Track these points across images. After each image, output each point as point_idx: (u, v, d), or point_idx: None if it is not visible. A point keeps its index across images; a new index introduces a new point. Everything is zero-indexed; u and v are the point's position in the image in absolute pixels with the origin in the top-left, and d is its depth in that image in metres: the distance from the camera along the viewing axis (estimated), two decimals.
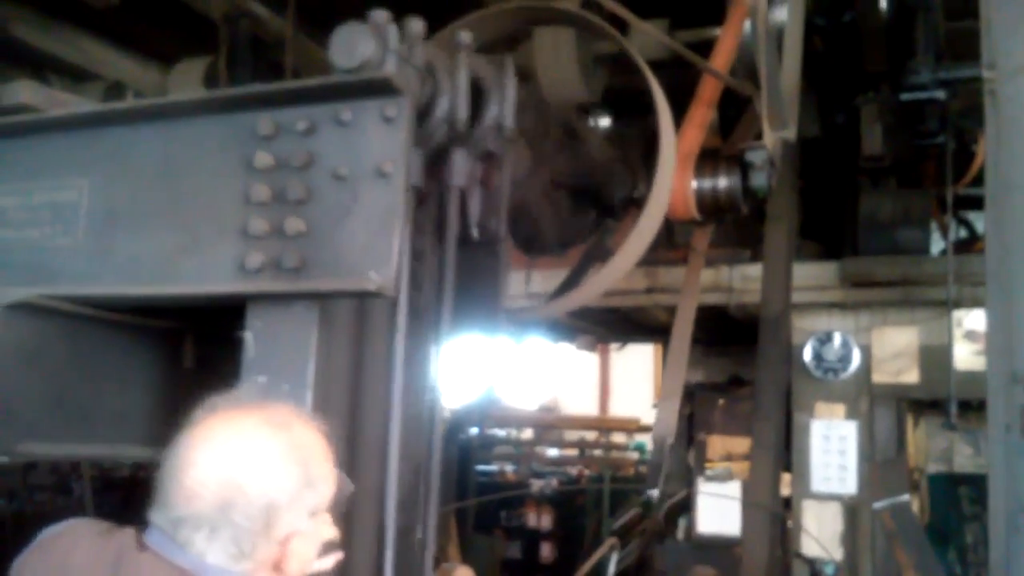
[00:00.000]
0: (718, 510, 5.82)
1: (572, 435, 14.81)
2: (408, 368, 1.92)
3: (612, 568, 4.64)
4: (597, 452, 13.93)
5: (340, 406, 1.91)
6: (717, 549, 5.19)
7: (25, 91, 2.15)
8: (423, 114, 1.88)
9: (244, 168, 1.87)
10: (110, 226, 1.98)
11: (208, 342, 2.34)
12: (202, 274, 1.87)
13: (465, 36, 1.98)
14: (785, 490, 5.77)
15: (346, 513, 1.91)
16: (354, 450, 1.95)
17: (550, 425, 14.93)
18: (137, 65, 5.47)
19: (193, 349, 2.30)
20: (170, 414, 2.27)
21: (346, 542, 1.92)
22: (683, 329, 3.44)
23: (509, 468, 13.17)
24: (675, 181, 2.61)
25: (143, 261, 1.93)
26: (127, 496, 9.10)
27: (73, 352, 2.04)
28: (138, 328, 2.18)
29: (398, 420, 1.84)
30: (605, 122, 4.05)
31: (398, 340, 1.86)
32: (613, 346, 11.80)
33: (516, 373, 16.22)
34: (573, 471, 12.93)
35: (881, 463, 5.34)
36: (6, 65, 4.85)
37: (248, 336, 1.86)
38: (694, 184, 3.00)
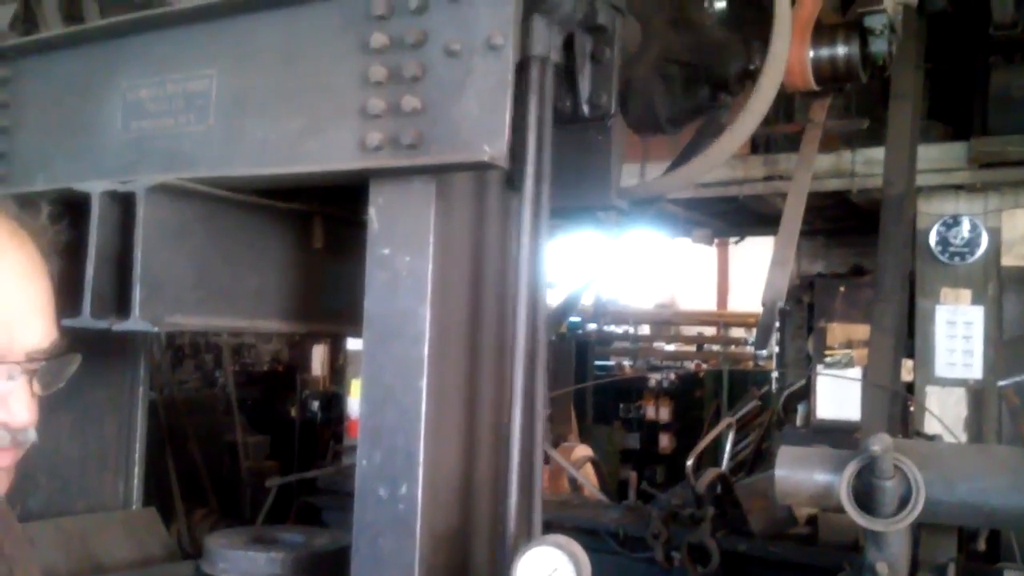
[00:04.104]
0: (837, 395, 5.79)
1: (690, 331, 14.83)
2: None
3: (728, 446, 4.71)
4: (715, 348, 13.94)
5: (460, 277, 2.01)
6: (836, 433, 5.19)
7: None
8: None
9: (360, 50, 1.94)
10: (239, 112, 2.10)
11: (335, 224, 2.46)
12: (326, 153, 1.97)
13: None
14: (907, 376, 5.70)
15: (471, 373, 2.02)
16: (475, 319, 2.05)
17: (667, 321, 14.96)
18: None
19: (322, 230, 2.42)
20: (303, 291, 2.43)
21: (473, 401, 2.03)
22: (798, 196, 3.40)
23: (627, 363, 13.33)
24: (792, 50, 2.56)
25: (270, 144, 2.04)
26: (266, 388, 9.71)
27: (212, 233, 2.19)
28: (270, 210, 2.31)
29: (525, 281, 1.90)
30: (720, 5, 3.94)
31: (526, 210, 1.91)
32: (731, 240, 11.63)
33: (631, 270, 16.20)
34: (691, 365, 13.00)
35: (1007, 340, 5.20)
36: None
37: (372, 212, 1.95)
38: (811, 53, 2.93)
